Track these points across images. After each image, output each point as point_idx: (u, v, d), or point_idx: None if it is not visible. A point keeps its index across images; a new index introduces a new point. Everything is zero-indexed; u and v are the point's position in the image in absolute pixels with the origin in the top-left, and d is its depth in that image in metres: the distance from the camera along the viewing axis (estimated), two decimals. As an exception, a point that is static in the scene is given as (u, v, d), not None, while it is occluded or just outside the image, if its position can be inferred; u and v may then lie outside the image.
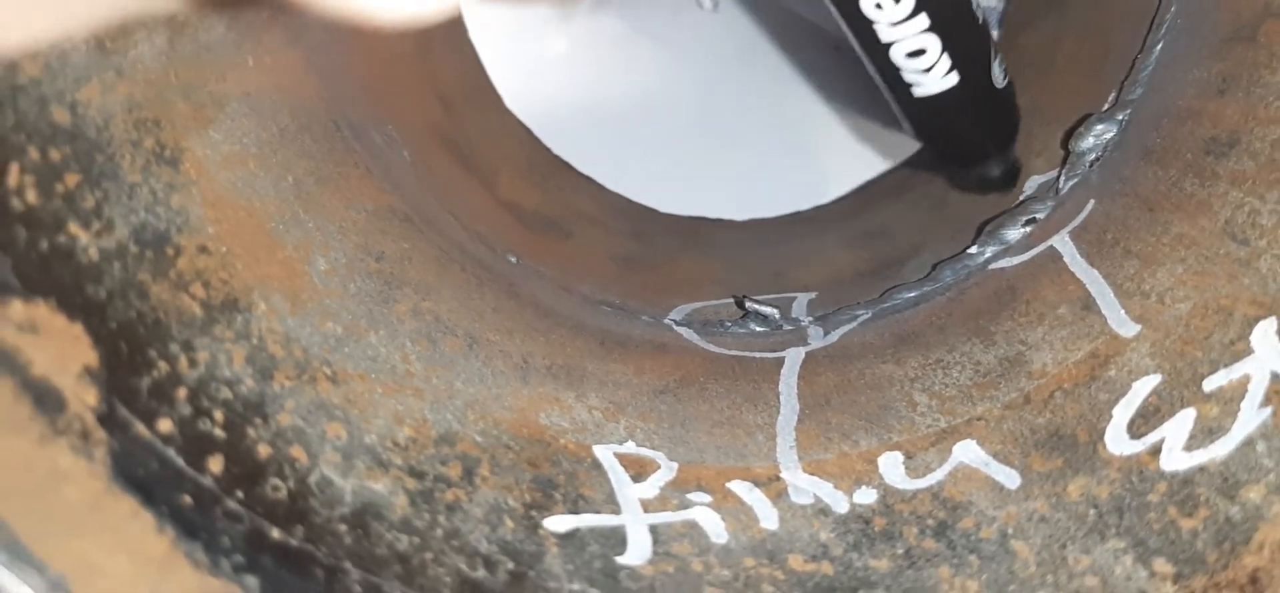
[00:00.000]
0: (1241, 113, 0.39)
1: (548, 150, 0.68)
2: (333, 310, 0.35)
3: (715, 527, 0.33)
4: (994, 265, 0.46)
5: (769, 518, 0.33)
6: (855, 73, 0.75)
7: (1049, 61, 0.58)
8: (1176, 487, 0.30)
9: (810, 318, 0.48)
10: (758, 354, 0.45)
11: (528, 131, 0.68)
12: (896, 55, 0.42)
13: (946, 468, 0.34)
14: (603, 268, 0.55)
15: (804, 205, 0.67)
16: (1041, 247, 0.44)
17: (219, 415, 0.29)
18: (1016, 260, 0.45)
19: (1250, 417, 0.30)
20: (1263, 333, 0.32)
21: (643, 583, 0.30)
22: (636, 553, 0.31)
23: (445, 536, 0.30)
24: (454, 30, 0.66)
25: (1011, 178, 0.49)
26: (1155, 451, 0.31)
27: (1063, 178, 0.46)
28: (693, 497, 0.34)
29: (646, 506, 0.33)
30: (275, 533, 0.28)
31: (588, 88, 0.72)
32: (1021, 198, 0.49)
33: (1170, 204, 0.40)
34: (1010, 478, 0.33)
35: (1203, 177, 0.39)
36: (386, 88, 0.53)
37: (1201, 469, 0.30)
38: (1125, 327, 0.36)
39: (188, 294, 0.30)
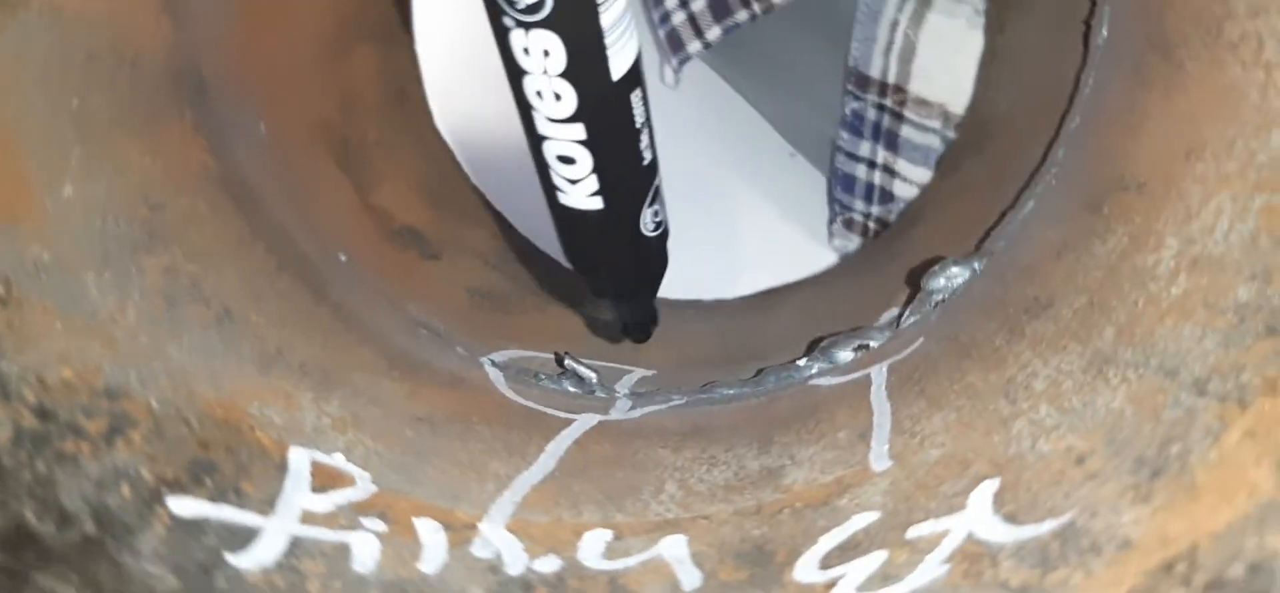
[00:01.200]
0: (1064, 277, 0.36)
1: (465, 178, 0.66)
2: (51, 237, 0.33)
3: (366, 555, 0.30)
4: (815, 381, 0.43)
5: (432, 562, 0.31)
6: (801, 184, 0.74)
7: (951, 199, 0.56)
8: (824, 629, 0.27)
9: (629, 393, 0.46)
10: (551, 411, 0.43)
11: (449, 153, 0.66)
12: (548, 153, 0.38)
13: (642, 557, 0.32)
14: (452, 296, 0.53)
15: (706, 296, 0.65)
16: (861, 373, 0.41)
17: None
18: (836, 381, 0.42)
19: (928, 570, 0.27)
20: (981, 492, 0.29)
21: (237, 586, 0.28)
22: (255, 557, 0.29)
23: (31, 481, 0.27)
24: (396, 34, 0.65)
25: (643, 330, 0.46)
26: (830, 586, 0.28)
27: (906, 313, 0.44)
28: (366, 521, 0.32)
29: (308, 517, 0.31)
30: None
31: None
32: (877, 324, 0.46)
33: (977, 355, 0.37)
34: (691, 580, 0.30)
35: (1013, 333, 0.36)
36: (270, 65, 0.52)
37: (855, 615, 0.27)
38: (881, 462, 0.34)
39: None
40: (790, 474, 0.36)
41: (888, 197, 0.70)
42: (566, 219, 0.39)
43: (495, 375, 0.45)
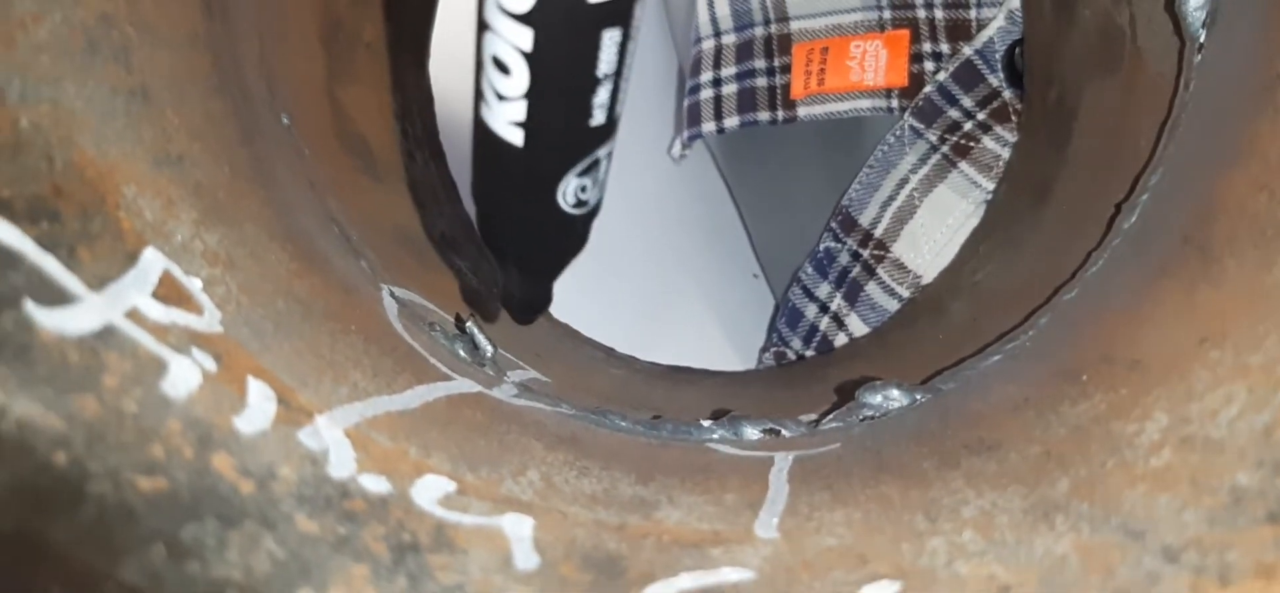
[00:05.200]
0: (1019, 429, 0.33)
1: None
2: None
3: (182, 381, 0.26)
4: (713, 444, 0.39)
5: (251, 423, 0.27)
6: (750, 305, 0.71)
7: (900, 345, 0.53)
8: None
9: (517, 383, 0.42)
10: (433, 361, 0.39)
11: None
12: (486, 48, 0.30)
13: (479, 519, 0.28)
14: (375, 220, 0.49)
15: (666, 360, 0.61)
16: (764, 454, 0.38)
17: None
18: (735, 451, 0.39)
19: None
20: (879, 587, 0.25)
21: (22, 332, 0.23)
22: (59, 320, 0.24)
23: None
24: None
25: (530, 309, 0.39)
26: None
27: (829, 417, 0.40)
28: (197, 353, 0.27)
29: (136, 316, 0.27)
30: None
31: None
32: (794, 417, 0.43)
33: (898, 472, 0.34)
34: (526, 560, 0.26)
35: (945, 462, 0.33)
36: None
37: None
38: (766, 530, 0.30)
39: None
40: (665, 511, 0.32)
41: (827, 346, 0.67)
42: (481, 140, 0.32)
43: (390, 305, 0.41)
